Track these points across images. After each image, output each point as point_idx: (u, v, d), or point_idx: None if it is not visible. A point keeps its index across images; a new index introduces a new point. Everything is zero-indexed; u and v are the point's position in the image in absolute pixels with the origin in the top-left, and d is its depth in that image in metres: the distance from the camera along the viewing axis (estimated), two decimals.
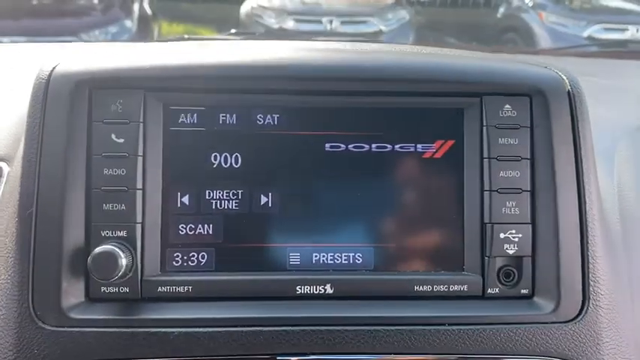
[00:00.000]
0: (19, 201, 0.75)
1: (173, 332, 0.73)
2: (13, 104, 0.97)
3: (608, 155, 1.02)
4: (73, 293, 0.74)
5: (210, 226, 0.78)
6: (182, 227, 0.77)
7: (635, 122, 1.11)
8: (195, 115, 0.78)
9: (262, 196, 0.78)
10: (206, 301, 0.76)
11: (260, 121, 0.78)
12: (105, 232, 0.75)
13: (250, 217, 0.78)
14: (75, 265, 0.74)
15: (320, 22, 5.16)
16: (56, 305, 0.73)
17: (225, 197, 0.78)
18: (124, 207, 0.75)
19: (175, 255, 0.77)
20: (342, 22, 5.18)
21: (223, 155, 0.78)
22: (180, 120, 0.78)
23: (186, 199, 0.77)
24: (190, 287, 0.75)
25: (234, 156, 0.78)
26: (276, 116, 0.78)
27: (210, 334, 0.73)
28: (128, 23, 5.37)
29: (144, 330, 0.73)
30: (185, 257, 0.77)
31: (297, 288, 0.76)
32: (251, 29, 4.92)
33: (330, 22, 5.11)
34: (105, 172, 0.75)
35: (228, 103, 0.78)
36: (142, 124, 0.76)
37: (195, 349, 0.73)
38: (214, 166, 0.78)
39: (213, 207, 0.78)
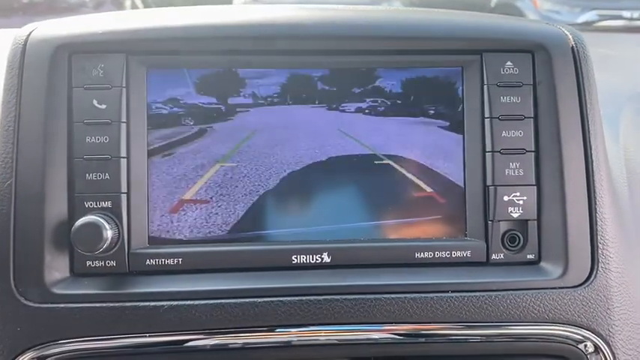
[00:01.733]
0: None
1: (163, 306, 0.69)
2: None
3: (612, 121, 0.98)
4: (56, 268, 0.71)
5: (205, 197, 0.74)
6: (167, 197, 0.73)
7: (638, 86, 1.07)
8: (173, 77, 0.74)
9: (249, 167, 0.74)
10: (196, 273, 0.72)
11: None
12: (89, 203, 0.71)
13: (228, 186, 0.74)
14: (58, 238, 0.70)
15: None
16: (39, 281, 0.69)
17: (197, 164, 0.74)
18: (107, 176, 0.71)
19: (160, 226, 0.73)
20: None
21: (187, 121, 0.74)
22: (161, 87, 0.74)
23: (174, 169, 0.73)
24: (180, 259, 0.72)
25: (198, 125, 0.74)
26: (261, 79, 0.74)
27: (203, 306, 0.70)
28: None
29: (132, 304, 0.70)
30: (173, 229, 0.73)
31: (293, 257, 0.72)
32: None
33: None
34: (87, 139, 0.71)
35: (212, 64, 0.74)
36: (124, 89, 0.72)
37: (188, 323, 0.69)
38: (187, 134, 0.74)
39: (210, 177, 0.74)
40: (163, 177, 0.73)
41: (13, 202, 0.70)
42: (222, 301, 0.70)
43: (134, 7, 5.45)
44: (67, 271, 0.71)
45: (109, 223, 0.68)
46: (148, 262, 0.71)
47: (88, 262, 0.71)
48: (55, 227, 0.70)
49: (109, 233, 0.68)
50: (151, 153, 0.73)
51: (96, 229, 0.67)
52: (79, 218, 0.69)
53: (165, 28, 0.73)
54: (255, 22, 0.74)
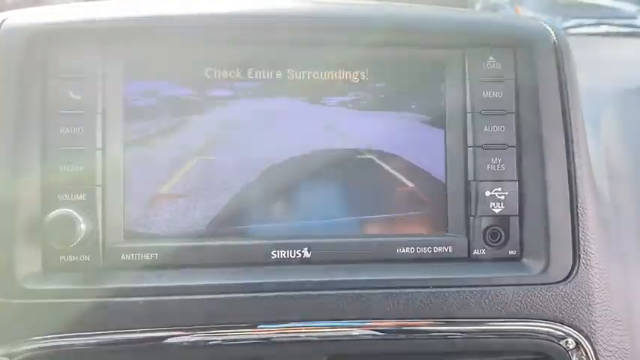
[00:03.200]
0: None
1: (138, 302, 0.68)
2: None
3: (594, 121, 0.98)
4: (28, 262, 0.68)
5: (178, 190, 0.72)
6: (141, 189, 0.71)
7: (619, 87, 1.08)
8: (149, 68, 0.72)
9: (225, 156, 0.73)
10: (173, 268, 0.70)
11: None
12: (62, 196, 0.69)
13: (208, 177, 0.73)
14: (30, 231, 0.68)
15: None
16: (9, 275, 0.67)
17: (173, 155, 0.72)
18: (82, 168, 0.69)
19: (139, 221, 0.71)
20: None
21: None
22: (138, 77, 0.72)
23: (151, 160, 0.72)
24: (156, 254, 0.70)
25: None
26: (239, 70, 0.73)
27: (180, 302, 0.68)
28: None
29: (106, 300, 0.68)
30: (146, 222, 0.71)
31: (273, 253, 0.71)
32: None
33: None
34: (61, 130, 0.69)
35: (189, 55, 0.73)
36: (100, 79, 0.70)
37: (165, 319, 0.68)
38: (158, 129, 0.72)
39: (177, 167, 0.72)
40: (140, 170, 0.71)
41: None
42: (200, 297, 0.68)
43: None
44: (39, 265, 0.69)
45: (83, 217, 0.66)
46: (123, 256, 0.70)
47: (61, 257, 0.69)
48: (27, 220, 0.68)
49: (82, 227, 0.66)
50: (127, 145, 0.71)
51: (69, 222, 0.65)
52: (52, 211, 0.67)
53: (142, 17, 0.72)
54: (233, 12, 0.72)
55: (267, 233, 0.72)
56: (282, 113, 0.73)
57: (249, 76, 0.73)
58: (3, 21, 0.71)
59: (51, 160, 0.69)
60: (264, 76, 0.73)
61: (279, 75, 0.73)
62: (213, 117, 0.72)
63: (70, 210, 0.66)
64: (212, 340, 0.68)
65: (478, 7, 5.56)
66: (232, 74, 0.72)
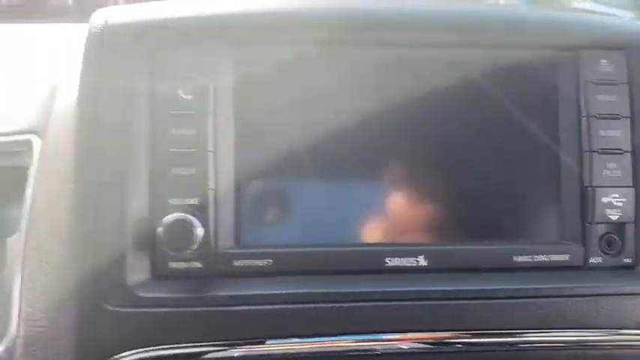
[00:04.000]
0: (79, 167, 0.66)
1: (254, 309, 0.65)
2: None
3: None
4: (138, 270, 0.66)
5: (286, 196, 0.69)
6: (250, 196, 0.69)
7: None
8: (257, 68, 0.70)
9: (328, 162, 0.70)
10: (286, 275, 0.67)
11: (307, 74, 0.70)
12: (173, 200, 0.66)
13: (309, 188, 0.70)
14: (140, 238, 0.65)
15: None
16: (120, 283, 0.64)
17: (284, 158, 0.70)
18: (194, 171, 0.66)
19: (246, 226, 0.68)
20: None
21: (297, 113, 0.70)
22: (248, 77, 0.69)
23: (257, 164, 0.69)
24: (270, 261, 0.67)
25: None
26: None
27: (297, 310, 0.65)
28: None
29: (221, 309, 0.65)
30: (255, 229, 0.69)
31: (387, 260, 0.68)
32: None
33: None
34: (173, 131, 0.66)
35: (302, 55, 0.70)
36: (211, 79, 0.67)
37: (283, 328, 0.65)
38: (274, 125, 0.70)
39: (287, 175, 0.69)
40: (251, 173, 0.68)
41: (95, 199, 0.65)
42: (318, 305, 0.66)
43: None
44: (149, 273, 0.66)
45: (199, 221, 0.64)
46: (235, 263, 0.67)
47: (172, 264, 0.66)
48: (137, 226, 0.65)
49: (199, 232, 0.63)
50: (237, 147, 0.68)
51: (187, 227, 0.63)
52: (162, 216, 0.64)
53: (253, 15, 0.69)
54: (353, 10, 0.70)
55: (381, 239, 0.69)
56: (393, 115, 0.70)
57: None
58: (107, 18, 0.68)
59: (161, 163, 0.66)
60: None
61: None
62: (325, 119, 0.69)
63: (187, 214, 0.63)
64: (331, 349, 0.66)
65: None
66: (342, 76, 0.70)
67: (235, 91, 0.68)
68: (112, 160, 0.65)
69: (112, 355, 0.63)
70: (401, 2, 0.75)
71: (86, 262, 0.64)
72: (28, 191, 0.77)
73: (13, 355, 0.68)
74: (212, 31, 0.68)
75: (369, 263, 0.68)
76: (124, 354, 0.64)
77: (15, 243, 0.74)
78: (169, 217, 0.63)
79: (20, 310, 0.69)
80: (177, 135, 0.66)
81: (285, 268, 0.67)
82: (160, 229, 0.63)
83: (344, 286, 0.67)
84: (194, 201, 0.66)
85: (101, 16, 0.68)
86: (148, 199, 0.66)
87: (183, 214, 0.63)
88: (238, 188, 0.68)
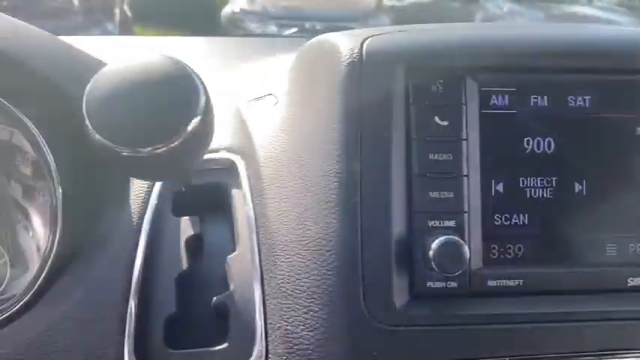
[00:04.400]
0: (339, 189, 0.68)
1: (508, 328, 0.68)
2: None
3: None
4: (400, 289, 0.68)
5: (526, 216, 0.73)
6: (497, 217, 0.72)
7: None
8: (506, 96, 0.73)
9: (576, 183, 0.74)
10: (537, 295, 0.70)
11: (572, 103, 0.74)
12: (432, 222, 0.69)
13: (563, 206, 0.73)
14: (401, 258, 0.68)
15: (303, 26, 5.13)
16: (389, 302, 0.67)
17: (539, 185, 0.73)
18: (452, 194, 0.69)
19: (493, 246, 0.72)
20: (325, 27, 5.17)
21: (536, 140, 0.73)
22: (492, 102, 0.73)
23: (500, 187, 0.72)
24: (521, 281, 0.70)
25: (546, 140, 0.73)
26: (587, 98, 0.74)
27: (551, 328, 0.69)
28: (110, 27, 5.22)
29: (478, 327, 0.68)
30: (502, 249, 0.72)
31: (629, 280, 0.72)
32: (231, 34, 4.84)
33: (313, 26, 5.09)
34: (430, 157, 0.69)
35: (539, 83, 0.73)
36: (464, 107, 0.70)
37: (539, 346, 0.68)
38: (527, 151, 0.73)
39: (527, 195, 0.73)
40: (498, 197, 0.71)
41: (359, 219, 0.68)
42: (570, 324, 0.69)
43: (123, 14, 5.34)
44: (407, 293, 0.69)
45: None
46: (489, 282, 0.70)
47: (429, 283, 0.69)
48: (399, 246, 0.68)
49: (466, 252, 0.66)
50: (484, 171, 0.71)
51: (458, 248, 0.66)
52: (421, 237, 0.67)
53: (497, 45, 0.72)
54: (586, 40, 0.74)
55: (622, 258, 0.73)
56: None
57: None
58: (362, 45, 0.71)
59: (419, 185, 0.69)
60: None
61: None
62: (560, 142, 0.73)
63: (454, 236, 0.66)
64: None
65: (479, 17, 5.70)
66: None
67: (480, 119, 0.71)
68: (375, 182, 0.68)
69: None
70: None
71: (356, 282, 0.66)
72: (246, 209, 0.79)
73: None
74: (464, 61, 0.71)
75: (609, 282, 0.72)
76: None
77: (234, 260, 0.77)
78: (441, 239, 0.66)
79: (267, 326, 0.72)
80: (435, 160, 0.69)
81: (532, 288, 0.70)
82: (431, 251, 0.66)
83: (589, 306, 0.70)
84: (452, 223, 0.69)
85: (355, 43, 0.71)
86: (405, 220, 0.69)
87: (452, 237, 0.66)
88: (484, 211, 0.71)
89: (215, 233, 0.83)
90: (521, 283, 0.70)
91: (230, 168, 0.85)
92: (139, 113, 0.63)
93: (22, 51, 0.81)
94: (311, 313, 0.68)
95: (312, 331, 0.68)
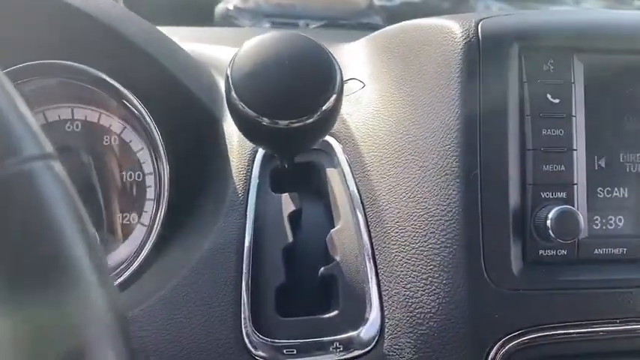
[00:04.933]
0: (459, 162, 0.72)
1: (614, 292, 0.72)
2: None
3: None
4: (516, 257, 0.72)
5: (625, 189, 0.77)
6: (600, 190, 0.77)
7: None
8: (608, 76, 0.78)
9: None
10: (636, 262, 0.75)
11: None
12: (545, 194, 0.73)
13: None
14: (517, 227, 0.72)
15: (297, 24, 5.16)
16: (507, 269, 0.71)
17: (637, 161, 0.78)
18: (563, 168, 0.74)
19: (596, 217, 0.76)
20: (318, 28, 5.20)
21: (635, 118, 0.78)
22: (595, 82, 0.77)
23: (602, 162, 0.77)
24: (625, 249, 0.75)
25: None
26: None
27: None
28: None
29: (590, 291, 0.72)
30: (604, 220, 0.76)
31: None
32: None
33: (307, 24, 5.13)
34: (543, 132, 0.74)
35: (637, 64, 0.78)
36: (573, 85, 0.75)
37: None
38: (626, 128, 0.78)
39: (627, 170, 0.77)
40: (599, 171, 0.76)
41: (479, 191, 0.72)
42: None
43: None
44: (521, 260, 0.73)
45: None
46: (595, 251, 0.74)
47: (541, 251, 0.73)
48: (515, 216, 0.72)
49: (582, 221, 0.71)
50: (588, 147, 0.76)
51: (574, 217, 0.70)
52: (534, 208, 0.72)
53: (603, 26, 0.77)
54: None
55: None
56: None
57: None
58: (479, 23, 0.75)
59: (533, 159, 0.73)
60: None
61: None
62: None
63: (569, 206, 0.71)
64: None
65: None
66: None
67: (586, 97, 0.76)
68: (493, 156, 0.72)
69: (505, 335, 0.70)
70: None
71: (476, 249, 0.70)
72: (346, 187, 0.83)
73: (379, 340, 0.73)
74: (572, 41, 0.75)
75: None
76: (515, 333, 0.70)
77: (337, 233, 0.80)
78: (559, 208, 0.70)
79: (382, 293, 0.75)
80: (548, 135, 0.74)
81: (636, 255, 0.75)
82: (548, 220, 0.70)
83: None
84: (563, 195, 0.74)
85: (469, 23, 0.75)
86: (519, 192, 0.73)
87: (568, 207, 0.70)
88: (589, 185, 0.76)
89: (312, 209, 0.86)
90: (625, 252, 0.74)
91: (324, 149, 0.88)
92: (282, 88, 0.66)
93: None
94: (430, 279, 0.72)
95: (432, 295, 0.71)
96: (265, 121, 0.66)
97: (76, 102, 0.97)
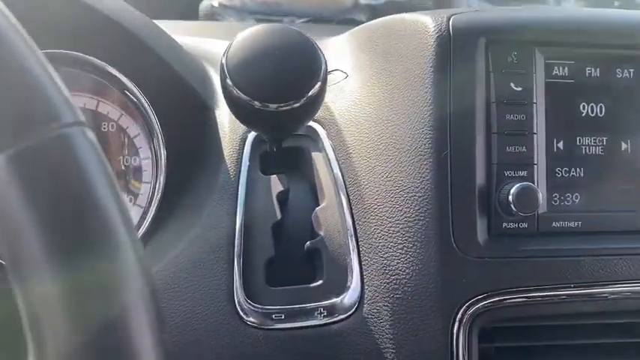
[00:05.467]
0: (432, 145, 0.80)
1: (577, 261, 0.81)
2: None
3: None
4: (481, 229, 0.81)
5: (582, 169, 0.86)
6: (558, 170, 0.85)
7: None
8: (565, 68, 0.86)
9: (623, 142, 0.87)
10: (590, 234, 0.84)
11: (619, 75, 0.87)
12: (507, 172, 0.82)
13: (614, 161, 0.86)
14: (483, 202, 0.81)
15: (281, 22, 5.23)
16: (474, 239, 0.79)
17: (592, 143, 0.86)
18: (524, 149, 0.82)
19: (554, 195, 0.85)
20: (304, 23, 5.27)
21: (590, 105, 0.86)
22: (554, 72, 0.86)
23: (561, 145, 0.85)
24: (580, 222, 0.83)
25: (599, 106, 0.87)
26: (632, 70, 0.88)
27: (605, 261, 0.82)
28: None
29: (549, 259, 0.81)
30: (562, 196, 0.85)
31: None
32: None
33: (292, 22, 5.20)
34: (507, 117, 0.82)
35: (592, 57, 0.87)
36: (534, 75, 0.83)
37: (595, 275, 0.81)
38: (582, 115, 0.86)
39: (583, 152, 0.86)
40: (559, 155, 0.85)
41: (449, 170, 0.80)
42: (614, 257, 0.82)
43: None
44: (486, 232, 0.81)
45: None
46: (553, 224, 0.83)
47: (504, 224, 0.82)
48: (481, 192, 0.81)
49: (540, 197, 0.79)
50: (549, 131, 0.84)
51: (534, 193, 0.79)
52: (498, 185, 0.80)
53: (562, 22, 0.86)
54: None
55: None
56: None
57: None
58: (450, 18, 0.83)
59: (497, 142, 0.82)
60: None
61: None
62: (609, 107, 0.87)
63: (529, 183, 0.79)
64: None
65: None
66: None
67: (546, 87, 0.84)
68: (462, 138, 0.80)
69: (472, 298, 0.78)
70: None
71: (446, 221, 0.79)
72: (329, 169, 0.91)
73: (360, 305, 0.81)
74: (533, 35, 0.84)
75: None
76: (481, 296, 0.78)
77: (322, 211, 0.88)
78: (520, 185, 0.79)
79: (362, 262, 0.83)
80: (511, 120, 0.82)
81: (592, 228, 0.84)
82: (510, 195, 0.78)
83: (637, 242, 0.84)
84: (524, 173, 0.82)
85: (441, 19, 0.83)
86: (485, 171, 0.81)
87: (528, 183, 0.79)
88: (547, 165, 0.84)
89: (298, 190, 0.94)
90: (580, 225, 0.83)
91: (310, 134, 0.96)
92: (272, 75, 0.74)
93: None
94: (405, 249, 0.80)
95: (406, 264, 0.79)
96: (257, 104, 0.74)
97: (75, 90, 1.03)
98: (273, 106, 0.74)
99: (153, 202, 0.96)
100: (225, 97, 0.76)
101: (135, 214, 0.99)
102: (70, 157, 0.40)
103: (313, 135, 0.95)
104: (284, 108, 0.74)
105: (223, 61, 0.74)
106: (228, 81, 0.73)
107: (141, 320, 0.39)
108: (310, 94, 0.75)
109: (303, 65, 0.74)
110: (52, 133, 0.40)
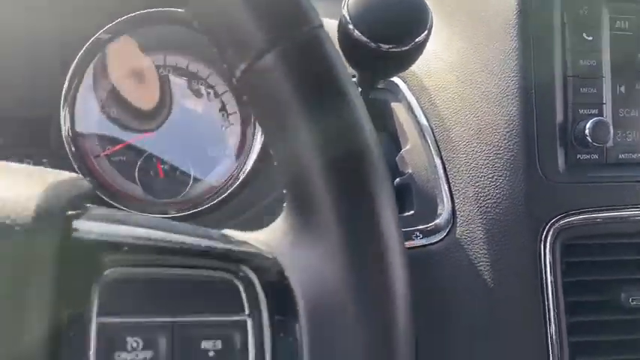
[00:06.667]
0: (517, 87, 0.93)
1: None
2: None
3: None
4: (560, 159, 0.93)
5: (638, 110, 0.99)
6: (621, 110, 0.98)
7: None
8: (626, 22, 0.99)
9: None
10: None
11: None
12: (582, 111, 0.94)
13: None
14: (562, 136, 0.93)
15: None
16: (555, 167, 0.92)
17: None
18: (595, 90, 0.95)
19: (618, 131, 0.98)
20: None
21: None
22: (617, 25, 0.99)
23: (623, 89, 0.99)
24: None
25: None
26: None
27: None
28: None
29: (617, 184, 0.94)
30: (624, 134, 0.98)
31: None
32: None
33: None
34: (580, 62, 0.95)
35: None
36: (602, 27, 0.96)
37: None
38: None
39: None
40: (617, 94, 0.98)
41: (534, 108, 0.92)
42: None
43: None
44: (564, 163, 0.94)
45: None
46: (620, 156, 0.96)
47: (578, 156, 0.95)
48: (560, 128, 0.93)
49: (611, 130, 0.92)
50: (612, 77, 0.97)
51: (607, 126, 0.92)
52: (574, 121, 0.93)
53: None
54: None
55: None
56: None
57: None
58: None
59: (574, 84, 0.95)
60: None
61: None
62: None
63: (603, 118, 0.92)
64: None
65: None
66: None
67: (611, 37, 0.97)
68: (540, 82, 0.93)
69: (556, 216, 0.91)
70: None
71: (533, 150, 0.91)
72: (412, 115, 1.03)
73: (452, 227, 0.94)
74: None
75: None
76: (562, 214, 0.91)
77: (407, 153, 1.00)
78: (595, 120, 0.92)
79: (452, 191, 0.95)
80: (583, 65, 0.95)
81: None
82: (587, 129, 0.91)
83: None
84: (595, 111, 0.95)
85: None
86: (563, 110, 0.94)
87: (601, 118, 0.92)
88: (614, 104, 0.97)
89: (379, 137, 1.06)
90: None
91: (390, 88, 1.08)
92: (387, 21, 0.86)
93: None
94: (495, 177, 0.92)
95: (497, 189, 0.92)
96: (372, 45, 0.85)
97: (169, 49, 1.14)
98: (385, 47, 0.85)
99: (243, 153, 1.08)
100: (343, 39, 0.87)
101: (229, 163, 1.10)
102: (325, 52, 0.52)
103: (393, 88, 1.07)
104: (394, 49, 0.86)
105: (344, 10, 0.85)
106: (350, 26, 0.84)
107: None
108: (417, 40, 0.86)
109: (414, 13, 0.86)
110: (310, 33, 0.52)
